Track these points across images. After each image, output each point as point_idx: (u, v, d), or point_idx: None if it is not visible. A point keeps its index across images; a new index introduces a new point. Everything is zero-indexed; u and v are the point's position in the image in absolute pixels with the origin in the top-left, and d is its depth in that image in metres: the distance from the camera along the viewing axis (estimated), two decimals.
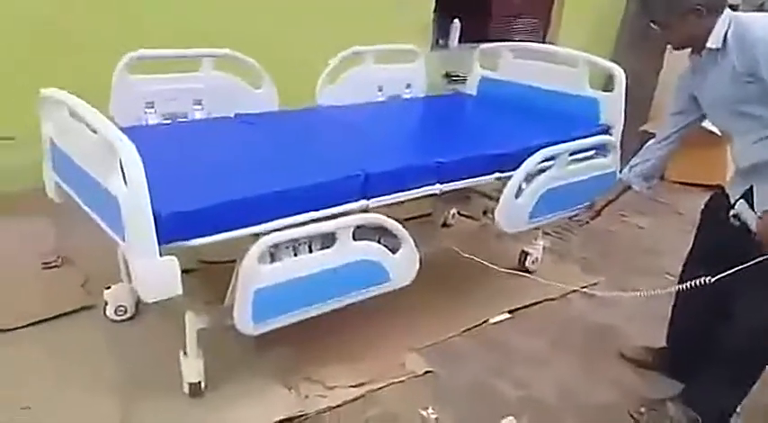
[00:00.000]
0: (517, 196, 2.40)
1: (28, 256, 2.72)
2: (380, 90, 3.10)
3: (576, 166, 2.55)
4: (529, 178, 2.42)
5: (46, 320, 2.36)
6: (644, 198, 3.91)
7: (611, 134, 2.75)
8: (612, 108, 2.75)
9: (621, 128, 2.77)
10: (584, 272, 3.18)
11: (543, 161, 2.41)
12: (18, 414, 1.93)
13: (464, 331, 2.55)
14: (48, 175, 2.14)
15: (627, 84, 2.73)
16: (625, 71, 2.75)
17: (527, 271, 2.99)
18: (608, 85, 2.86)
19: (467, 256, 2.58)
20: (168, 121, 2.47)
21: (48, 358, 2.18)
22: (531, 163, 2.36)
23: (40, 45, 2.99)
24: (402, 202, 2.18)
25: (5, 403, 1.96)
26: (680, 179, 4.53)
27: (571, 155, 2.50)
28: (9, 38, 2.93)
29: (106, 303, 2.41)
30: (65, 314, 2.41)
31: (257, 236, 1.79)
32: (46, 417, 1.93)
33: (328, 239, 1.94)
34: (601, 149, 2.67)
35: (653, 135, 2.27)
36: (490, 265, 2.58)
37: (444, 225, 3.50)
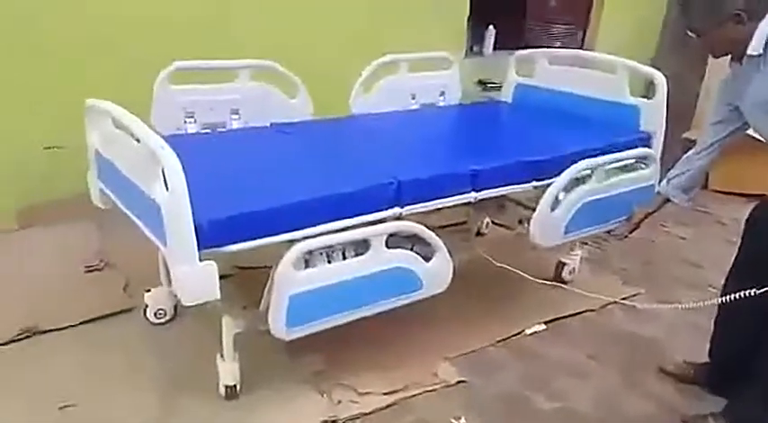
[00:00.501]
0: (553, 209, 2.36)
1: (72, 260, 2.81)
2: (414, 98, 3.11)
3: (614, 179, 2.50)
4: (566, 190, 2.38)
5: (88, 322, 2.44)
6: (686, 208, 3.84)
7: (651, 142, 2.69)
8: (653, 115, 2.70)
9: (662, 136, 2.72)
10: (623, 283, 3.11)
11: (580, 173, 2.38)
12: (59, 412, 1.99)
13: (498, 341, 2.53)
14: (92, 182, 2.22)
15: (668, 90, 2.67)
16: (666, 77, 2.68)
17: (563, 282, 2.94)
18: (648, 91, 2.81)
19: (500, 265, 2.55)
20: (207, 131, 2.53)
21: (89, 359, 2.25)
22: (567, 175, 2.33)
23: (87, 56, 3.10)
24: (436, 210, 2.18)
25: (49, 402, 2.02)
26: (723, 188, 4.41)
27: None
28: (60, 48, 3.04)
29: (146, 306, 2.47)
30: (106, 316, 2.49)
31: (292, 242, 1.82)
32: (88, 415, 1.99)
33: (362, 247, 1.95)
34: (641, 160, 2.62)
35: (695, 143, 2.23)
36: (525, 275, 2.55)
37: (478, 234, 3.47)
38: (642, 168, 2.61)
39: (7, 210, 3.07)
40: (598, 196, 2.46)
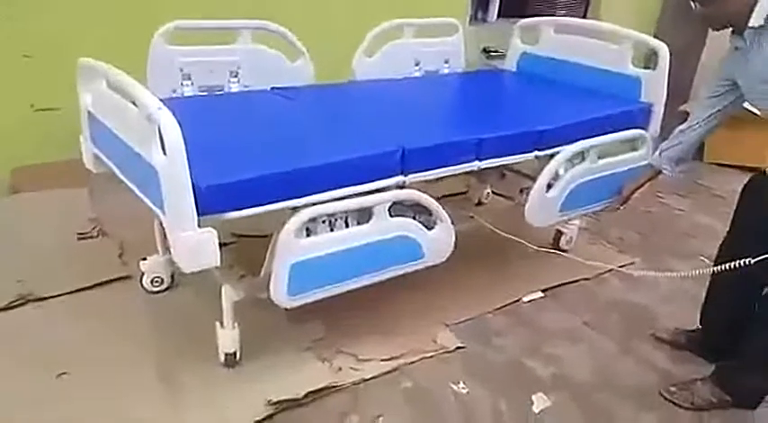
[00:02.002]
0: (547, 191, 2.37)
1: (65, 227, 2.76)
2: (417, 65, 3.05)
3: (606, 161, 2.50)
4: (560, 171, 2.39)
5: (83, 290, 2.41)
6: (683, 180, 3.86)
7: (651, 113, 2.68)
8: (655, 86, 2.67)
9: (663, 107, 2.70)
10: (619, 252, 3.13)
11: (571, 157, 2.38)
12: (56, 380, 1.98)
13: (497, 309, 2.54)
14: (85, 145, 2.16)
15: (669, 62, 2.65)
16: (668, 49, 2.66)
17: (561, 250, 2.95)
18: (649, 62, 2.78)
19: (500, 232, 2.55)
20: (204, 93, 2.47)
21: (85, 327, 2.23)
22: (558, 161, 2.33)
23: (79, 15, 3.00)
24: (438, 179, 2.16)
25: (45, 370, 2.01)
26: (719, 161, 4.42)
27: None
28: (55, 8, 2.95)
29: (143, 274, 2.44)
30: (101, 284, 2.46)
31: (294, 210, 1.79)
32: (83, 383, 1.98)
33: (364, 215, 1.93)
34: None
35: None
36: (524, 243, 2.56)
37: (479, 203, 3.46)
38: (634, 149, 2.61)
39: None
40: (591, 177, 2.46)
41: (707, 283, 2.30)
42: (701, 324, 2.36)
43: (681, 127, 2.23)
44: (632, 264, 3.02)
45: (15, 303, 2.28)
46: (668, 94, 2.71)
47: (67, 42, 2.90)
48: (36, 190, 2.93)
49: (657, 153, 2.30)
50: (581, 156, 2.42)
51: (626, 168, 2.55)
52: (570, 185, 2.41)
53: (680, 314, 2.57)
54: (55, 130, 2.96)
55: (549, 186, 2.37)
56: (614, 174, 2.52)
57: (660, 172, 2.33)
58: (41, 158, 3.03)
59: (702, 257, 3.05)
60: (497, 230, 2.55)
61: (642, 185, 2.43)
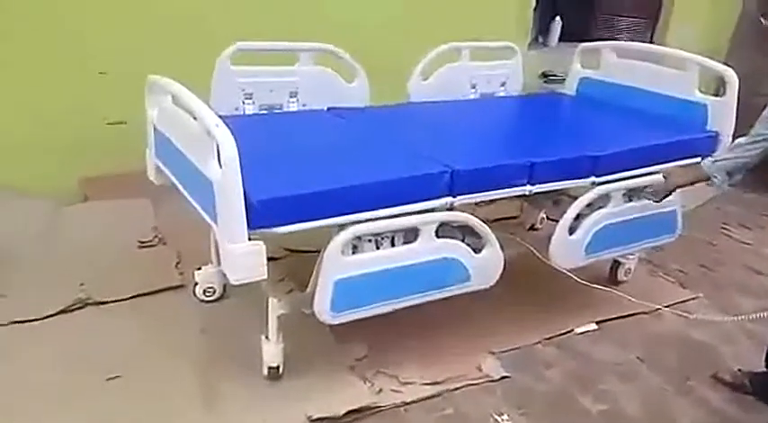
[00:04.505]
0: (571, 233, 2.30)
1: (127, 235, 2.88)
2: (474, 87, 3.04)
3: (632, 205, 2.41)
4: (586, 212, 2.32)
5: (139, 296, 2.50)
6: (750, 211, 3.67)
7: (718, 142, 2.57)
8: (722, 114, 2.57)
9: (731, 137, 2.58)
10: (679, 286, 3.00)
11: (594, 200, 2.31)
12: (107, 383, 2.05)
13: (547, 339, 2.47)
14: (149, 158, 2.26)
15: (739, 88, 2.54)
16: (738, 75, 2.56)
17: (618, 282, 2.86)
18: (717, 88, 2.68)
19: (543, 258, 2.47)
20: (264, 112, 2.54)
21: (139, 332, 2.31)
22: (580, 204, 2.28)
23: (148, 34, 3.16)
24: (488, 202, 2.13)
25: (96, 372, 2.08)
26: None
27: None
28: (125, 25, 3.12)
29: (196, 284, 2.51)
30: (157, 291, 2.54)
31: (342, 227, 1.81)
32: (132, 387, 2.04)
33: (411, 235, 1.93)
34: None
35: None
36: (571, 276, 2.45)
37: (532, 228, 3.40)
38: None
39: (69, 182, 3.17)
40: (617, 220, 2.38)
41: None
42: (767, 367, 2.22)
43: (741, 140, 2.09)
44: (695, 298, 2.88)
45: (75, 307, 2.39)
46: (737, 123, 2.59)
47: (138, 60, 3.04)
48: (103, 199, 3.07)
49: (710, 160, 2.15)
50: (607, 198, 2.34)
51: (654, 212, 2.44)
52: (594, 228, 2.33)
53: (743, 355, 2.43)
54: (124, 142, 3.10)
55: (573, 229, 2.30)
56: (641, 218, 2.43)
57: (708, 179, 2.15)
58: (110, 169, 3.17)
59: None
60: (541, 257, 2.47)
61: (689, 184, 2.24)
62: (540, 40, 4.56)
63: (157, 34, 3.17)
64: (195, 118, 1.74)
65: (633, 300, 2.49)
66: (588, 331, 2.57)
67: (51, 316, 2.33)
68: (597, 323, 2.61)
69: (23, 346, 2.18)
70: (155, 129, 2.16)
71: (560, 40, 4.54)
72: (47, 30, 2.99)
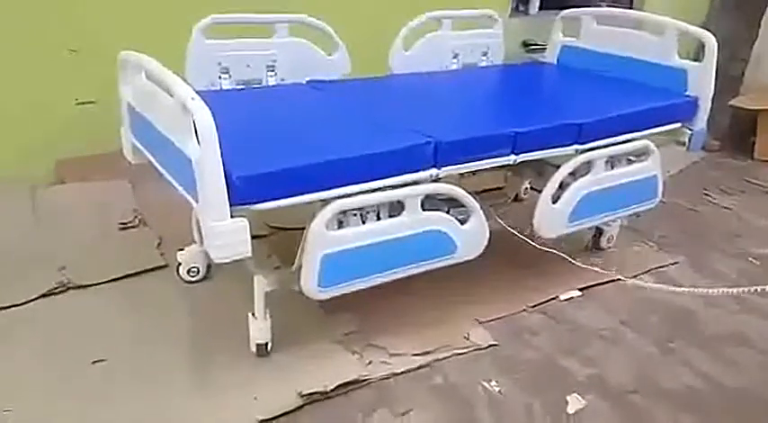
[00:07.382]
0: (555, 202, 2.32)
1: (107, 216, 2.83)
2: (455, 57, 3.01)
3: (613, 172, 2.43)
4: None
5: (122, 278, 2.46)
6: (731, 176, 3.71)
7: (698, 107, 2.58)
8: (701, 79, 2.57)
9: (710, 101, 2.60)
10: (661, 251, 3.03)
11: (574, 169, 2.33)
12: (93, 367, 2.02)
13: (532, 306, 2.49)
14: (125, 137, 2.20)
15: (718, 54, 2.54)
16: (717, 40, 2.55)
17: (601, 249, 2.89)
18: (697, 54, 2.68)
19: (511, 229, 2.50)
20: (241, 87, 2.49)
21: (122, 314, 2.28)
22: (564, 172, 2.29)
23: (121, 9, 3.07)
24: (473, 173, 2.13)
25: (81, 356, 2.05)
26: None
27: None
28: (90, 3, 3.02)
29: (179, 264, 2.48)
30: (140, 273, 2.50)
31: (326, 202, 1.79)
32: (119, 370, 2.02)
33: (396, 208, 1.92)
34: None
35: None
36: (532, 244, 2.49)
37: (516, 199, 3.41)
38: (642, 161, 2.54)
39: (45, 164, 3.10)
40: (600, 187, 2.40)
41: None
42: None
43: None
44: (674, 264, 2.92)
45: (55, 291, 2.35)
46: (717, 88, 2.61)
47: (110, 36, 2.97)
48: (80, 180, 3.01)
49: None
50: (587, 166, 2.36)
51: (636, 178, 2.48)
52: (577, 196, 2.35)
53: (724, 318, 2.47)
54: (100, 122, 3.04)
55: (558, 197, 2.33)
56: (625, 184, 2.46)
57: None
58: (86, 150, 3.11)
59: (752, 259, 2.93)
60: (509, 228, 2.50)
61: None
62: (521, 8, 4.51)
63: (128, 9, 3.08)
64: (171, 95, 1.69)
65: (580, 264, 2.54)
66: (572, 298, 2.59)
67: (32, 300, 2.29)
68: (581, 290, 2.63)
69: (4, 331, 2.15)
70: (129, 107, 2.11)
71: (541, 7, 4.49)
72: (14, 6, 2.89)
